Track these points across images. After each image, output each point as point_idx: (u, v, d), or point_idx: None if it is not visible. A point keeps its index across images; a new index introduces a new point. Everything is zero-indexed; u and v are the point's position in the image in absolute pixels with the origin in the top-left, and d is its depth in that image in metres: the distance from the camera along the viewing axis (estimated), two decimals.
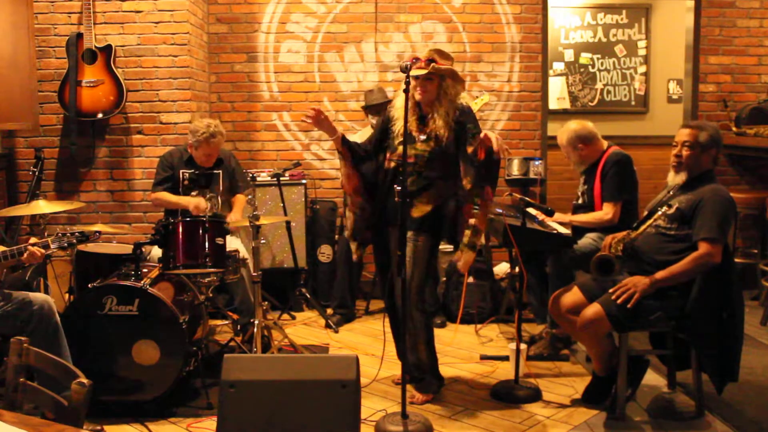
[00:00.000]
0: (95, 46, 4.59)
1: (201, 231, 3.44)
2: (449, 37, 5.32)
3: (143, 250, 3.53)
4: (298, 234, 4.94)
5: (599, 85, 6.74)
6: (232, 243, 3.95)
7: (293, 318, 4.83)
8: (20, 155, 4.83)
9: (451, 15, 5.32)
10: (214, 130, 4.07)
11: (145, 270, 3.44)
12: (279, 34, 5.31)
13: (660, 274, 3.05)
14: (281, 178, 4.79)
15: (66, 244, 2.99)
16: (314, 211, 5.14)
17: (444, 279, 4.83)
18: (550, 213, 3.80)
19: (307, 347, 4.18)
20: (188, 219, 3.51)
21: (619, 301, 3.05)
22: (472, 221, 3.24)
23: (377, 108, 4.66)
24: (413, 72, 3.15)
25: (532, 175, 5.24)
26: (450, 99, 3.28)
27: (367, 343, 4.33)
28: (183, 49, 4.73)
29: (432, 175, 3.31)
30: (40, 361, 1.93)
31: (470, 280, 4.68)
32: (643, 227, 3.23)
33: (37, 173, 4.43)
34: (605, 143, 4.09)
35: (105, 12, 4.70)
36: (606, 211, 3.93)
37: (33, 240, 2.98)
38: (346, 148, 3.39)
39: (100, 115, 4.62)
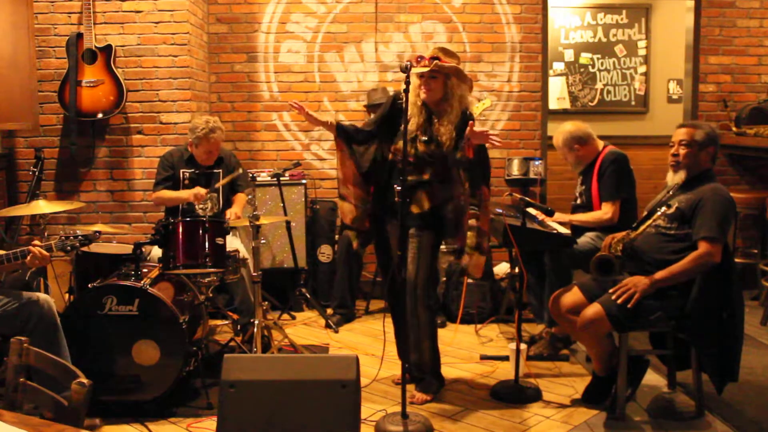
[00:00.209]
0: (95, 46, 4.59)
1: (201, 231, 3.44)
2: (449, 37, 5.32)
3: (143, 250, 3.53)
4: (298, 234, 4.94)
5: (599, 85, 6.75)
6: (232, 243, 3.95)
7: (293, 318, 4.83)
8: (20, 155, 4.83)
9: (451, 15, 5.32)
10: (213, 126, 4.07)
11: (145, 270, 3.44)
12: (279, 34, 5.32)
13: (660, 274, 3.05)
14: (281, 178, 4.79)
15: (69, 248, 2.98)
16: (314, 211, 5.14)
17: (444, 279, 4.83)
18: (550, 213, 3.80)
19: (307, 347, 4.18)
20: (188, 219, 3.51)
21: (619, 301, 3.05)
22: (472, 222, 3.23)
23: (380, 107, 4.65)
24: (417, 70, 3.14)
25: (532, 175, 5.24)
26: (459, 101, 3.24)
27: (367, 343, 4.33)
28: (183, 49, 4.73)
29: (429, 177, 3.30)
30: (40, 361, 1.93)
31: (470, 280, 4.68)
32: (642, 227, 3.23)
33: (37, 173, 4.43)
34: (601, 143, 4.11)
35: (105, 12, 4.70)
36: (605, 211, 3.94)
37: (36, 242, 2.97)
38: (342, 139, 3.38)
39: (100, 115, 4.62)
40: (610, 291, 3.11)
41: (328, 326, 4.62)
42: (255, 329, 3.64)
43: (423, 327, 3.37)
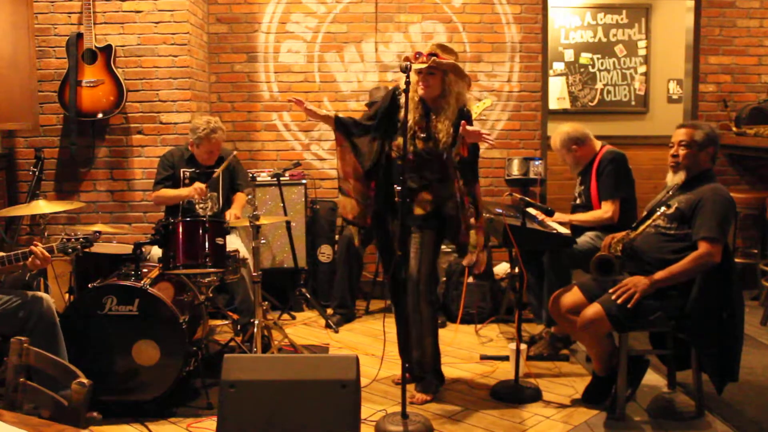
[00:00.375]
0: (95, 46, 4.59)
1: (201, 231, 3.44)
2: (449, 37, 5.32)
3: (143, 250, 3.53)
4: (298, 234, 4.94)
5: (599, 85, 6.75)
6: (232, 243, 3.95)
7: (293, 318, 4.83)
8: (20, 155, 4.83)
9: (451, 15, 5.32)
10: (214, 126, 4.07)
11: (145, 270, 3.44)
12: (279, 34, 5.32)
13: (660, 274, 3.05)
14: (281, 178, 4.79)
15: (70, 250, 2.98)
16: (314, 211, 5.14)
17: (444, 279, 4.83)
18: (550, 213, 3.80)
19: (307, 347, 4.18)
20: (188, 219, 3.51)
21: (619, 301, 3.05)
22: (472, 221, 3.24)
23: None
24: (415, 66, 3.14)
25: (532, 175, 5.24)
26: (456, 98, 3.25)
27: (367, 343, 4.33)
28: (183, 49, 4.73)
29: (429, 176, 3.31)
30: (39, 360, 1.93)
31: (470, 280, 4.68)
32: (642, 227, 3.23)
33: (37, 173, 4.43)
34: (599, 143, 4.12)
35: (105, 12, 4.70)
36: (605, 210, 3.94)
37: (37, 243, 2.97)
38: (341, 133, 3.37)
39: (100, 115, 4.62)
40: (610, 291, 3.11)
41: (328, 326, 4.62)
42: (255, 329, 3.64)
43: (425, 323, 3.38)
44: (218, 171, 4.08)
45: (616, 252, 3.21)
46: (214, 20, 5.29)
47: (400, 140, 3.20)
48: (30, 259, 2.89)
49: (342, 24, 5.32)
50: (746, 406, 3.33)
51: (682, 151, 3.17)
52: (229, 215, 4.05)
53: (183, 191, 4.11)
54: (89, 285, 3.26)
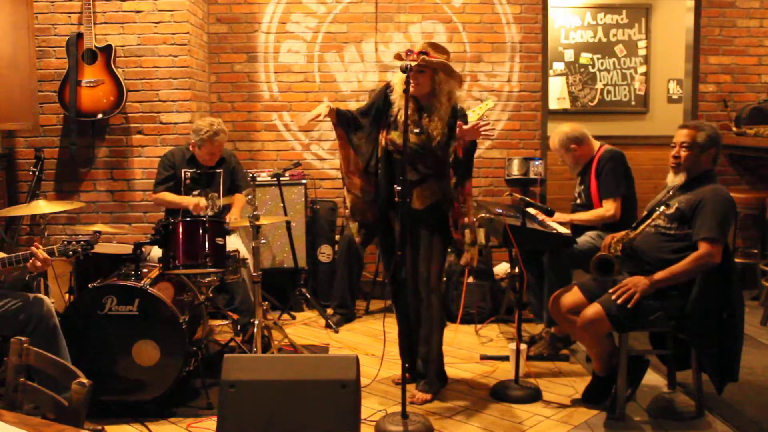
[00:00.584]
0: (95, 46, 4.59)
1: (201, 231, 3.44)
2: (449, 37, 5.32)
3: (143, 250, 3.53)
4: (298, 234, 4.94)
5: (599, 85, 6.75)
6: (232, 243, 3.95)
7: (293, 318, 4.83)
8: (20, 155, 4.83)
9: (451, 15, 5.32)
10: (217, 129, 4.08)
11: (145, 270, 3.44)
12: (279, 34, 5.32)
13: (660, 275, 3.05)
14: (281, 178, 4.79)
15: (71, 252, 2.98)
16: (314, 211, 5.14)
17: (444, 279, 4.82)
18: (550, 213, 3.80)
19: (307, 347, 4.18)
20: (188, 219, 3.51)
21: (619, 302, 3.05)
22: (466, 220, 3.25)
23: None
24: (402, 63, 3.16)
25: (532, 175, 5.24)
26: (447, 96, 3.26)
27: (367, 343, 4.33)
28: (183, 49, 4.73)
29: (423, 170, 3.32)
30: (40, 361, 1.93)
31: (470, 280, 4.68)
32: (642, 227, 3.23)
33: (37, 173, 4.43)
34: (597, 143, 4.13)
35: (105, 12, 4.70)
36: (606, 208, 3.95)
37: (37, 245, 2.96)
38: (342, 128, 3.40)
39: (100, 115, 4.62)
40: (610, 291, 3.11)
41: (328, 326, 4.62)
42: (255, 329, 3.64)
43: (435, 320, 3.41)
44: (228, 219, 3.94)
45: (616, 252, 3.21)
46: (214, 20, 5.29)
47: (393, 134, 3.26)
48: (30, 262, 2.89)
49: (342, 24, 5.32)
50: (746, 406, 3.33)
51: (683, 153, 3.16)
52: (229, 218, 4.05)
53: (184, 200, 4.11)
54: (89, 285, 3.26)
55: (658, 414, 3.29)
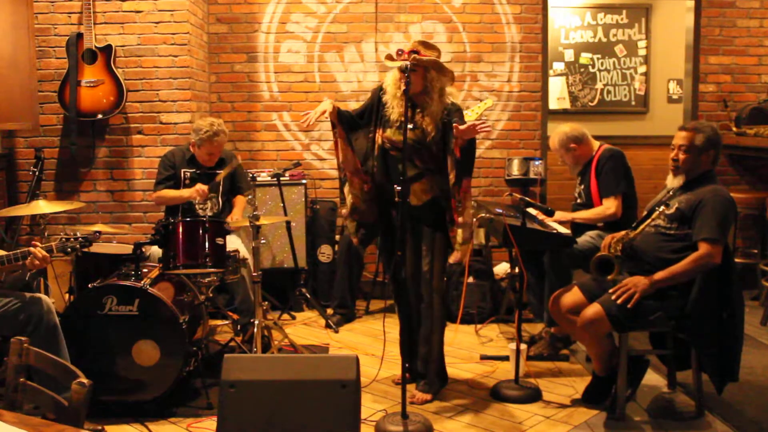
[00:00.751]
0: (95, 46, 4.59)
1: (201, 231, 3.44)
2: (449, 37, 5.32)
3: (143, 250, 3.53)
4: (298, 234, 4.94)
5: (599, 85, 6.75)
6: (232, 243, 3.95)
7: (293, 318, 4.83)
8: (20, 155, 4.83)
9: (451, 15, 5.32)
10: (217, 129, 4.08)
11: (145, 270, 3.44)
12: (279, 34, 5.32)
13: (660, 275, 3.05)
14: (281, 178, 4.79)
15: (69, 249, 2.98)
16: (314, 211, 5.14)
17: (444, 279, 4.82)
18: (550, 213, 3.80)
19: (307, 347, 4.18)
20: (188, 219, 3.51)
21: (619, 302, 3.05)
22: (460, 220, 3.25)
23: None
24: (395, 63, 3.18)
25: (532, 175, 5.25)
26: (439, 93, 3.28)
27: (367, 343, 4.33)
28: (183, 49, 4.73)
29: (422, 166, 3.32)
30: (40, 361, 1.93)
31: (470, 280, 4.68)
32: (641, 227, 3.23)
33: (37, 173, 4.43)
34: (597, 143, 4.14)
35: (105, 12, 4.70)
36: (607, 206, 3.95)
37: (36, 243, 2.96)
38: (342, 128, 3.41)
39: (100, 115, 4.62)
40: (610, 291, 3.11)
41: (328, 326, 4.62)
42: (255, 329, 3.64)
43: (436, 319, 3.42)
44: (221, 175, 4.08)
45: (616, 252, 3.21)
46: (214, 20, 5.30)
47: (389, 132, 3.30)
48: (29, 259, 2.89)
49: (342, 24, 5.32)
50: (746, 406, 3.33)
51: (681, 155, 3.16)
52: (230, 219, 4.05)
53: (184, 192, 4.11)
54: (89, 285, 3.26)
55: (658, 414, 3.29)
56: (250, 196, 3.97)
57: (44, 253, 2.90)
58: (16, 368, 1.89)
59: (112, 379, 3.19)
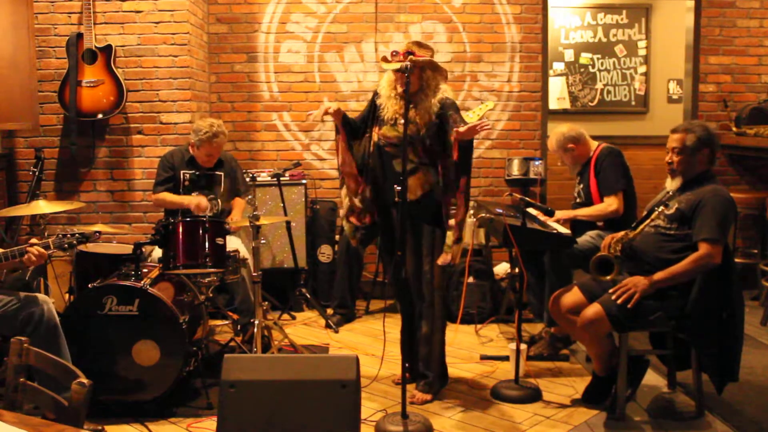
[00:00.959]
0: (95, 46, 4.59)
1: (201, 231, 3.44)
2: (449, 37, 5.32)
3: (143, 250, 3.53)
4: (298, 234, 4.94)
5: (599, 85, 6.75)
6: (232, 243, 3.95)
7: (293, 318, 4.83)
8: (20, 155, 4.83)
9: (451, 15, 5.32)
10: (217, 130, 4.08)
11: (145, 270, 3.44)
12: (279, 34, 5.32)
13: (660, 275, 3.05)
14: (281, 178, 4.80)
15: (66, 245, 2.98)
16: (314, 211, 5.14)
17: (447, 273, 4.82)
18: (550, 213, 3.80)
19: (307, 347, 4.18)
20: (188, 219, 3.51)
21: (619, 302, 3.05)
22: (452, 222, 3.26)
23: None
24: (391, 66, 3.19)
25: (532, 175, 5.25)
26: (434, 90, 3.32)
27: (367, 343, 4.33)
28: (183, 49, 4.73)
29: (417, 160, 3.34)
30: (40, 361, 1.93)
31: (470, 280, 4.68)
32: (641, 227, 3.23)
33: (37, 173, 4.42)
34: (595, 143, 4.14)
35: (105, 12, 4.70)
36: (608, 203, 3.95)
37: (33, 241, 2.97)
38: (345, 130, 3.44)
39: (100, 116, 4.62)
40: (610, 291, 3.11)
41: (328, 326, 4.62)
42: (255, 329, 3.64)
43: (437, 319, 3.42)
44: (229, 222, 3.96)
45: (616, 252, 3.21)
46: (214, 20, 5.29)
47: (384, 129, 3.36)
48: (26, 256, 2.89)
49: (342, 24, 5.32)
50: (746, 406, 3.33)
51: (675, 158, 3.16)
52: (231, 221, 4.06)
53: (184, 200, 4.11)
54: (89, 285, 3.26)
55: (658, 414, 3.29)
56: (249, 197, 3.97)
57: (41, 249, 2.89)
58: (16, 368, 1.89)
59: (112, 379, 3.19)
